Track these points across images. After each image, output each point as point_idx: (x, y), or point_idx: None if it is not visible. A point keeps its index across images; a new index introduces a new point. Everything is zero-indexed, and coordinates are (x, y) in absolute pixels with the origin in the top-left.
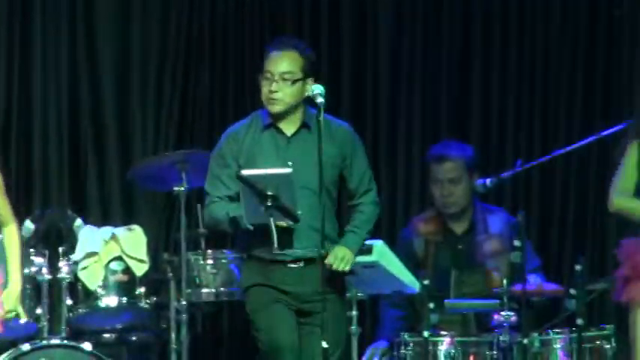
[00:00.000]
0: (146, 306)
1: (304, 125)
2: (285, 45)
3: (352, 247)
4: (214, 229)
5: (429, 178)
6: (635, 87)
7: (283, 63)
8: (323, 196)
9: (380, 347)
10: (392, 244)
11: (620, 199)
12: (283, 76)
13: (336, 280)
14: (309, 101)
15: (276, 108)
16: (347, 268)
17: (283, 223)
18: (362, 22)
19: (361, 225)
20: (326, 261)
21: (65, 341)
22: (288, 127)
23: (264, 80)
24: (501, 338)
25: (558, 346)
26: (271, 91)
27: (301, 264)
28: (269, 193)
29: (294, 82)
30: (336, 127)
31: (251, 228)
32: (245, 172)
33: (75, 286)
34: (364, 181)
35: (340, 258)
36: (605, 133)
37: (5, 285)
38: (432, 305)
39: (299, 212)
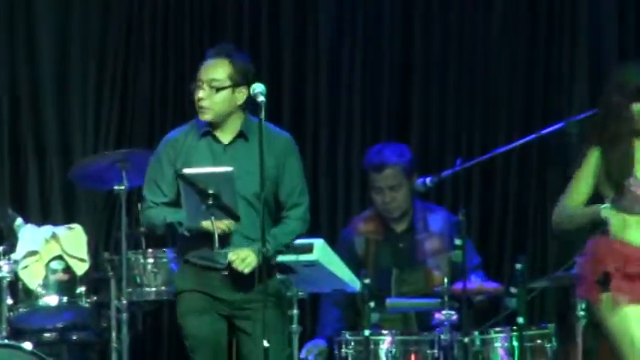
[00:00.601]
0: (87, 305)
1: (241, 134)
2: (217, 53)
3: (259, 253)
4: (152, 233)
5: (369, 184)
6: (575, 86)
7: (211, 71)
8: (264, 206)
9: (318, 346)
10: (333, 243)
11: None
12: (210, 84)
13: (269, 288)
14: (253, 111)
15: (205, 116)
16: (246, 271)
17: (223, 226)
18: (302, 27)
19: (278, 235)
20: (229, 257)
21: (5, 340)
22: (224, 136)
23: (196, 88)
24: (442, 337)
25: (499, 344)
26: (199, 99)
27: (229, 272)
28: (210, 192)
29: (219, 89)
30: (275, 135)
31: (187, 234)
32: (186, 171)
33: (15, 285)
34: (294, 193)
35: (242, 259)
36: (545, 131)
37: None
38: (372, 304)
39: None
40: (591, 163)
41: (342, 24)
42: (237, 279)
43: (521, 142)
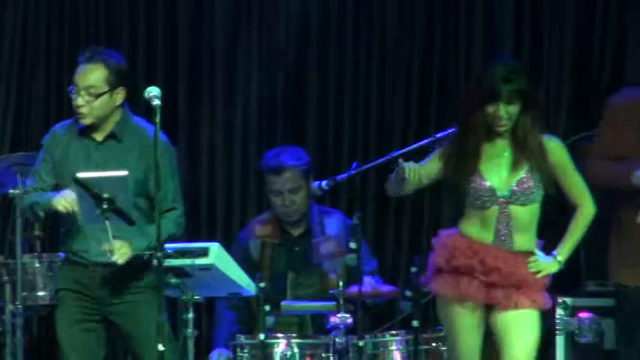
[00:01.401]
0: None
1: (112, 135)
2: (91, 57)
3: (133, 243)
4: (30, 217)
5: (267, 188)
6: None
7: (87, 77)
8: (156, 203)
9: (224, 354)
10: (228, 246)
11: None
12: (88, 91)
13: (143, 283)
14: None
15: (85, 121)
16: (120, 261)
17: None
18: (197, 24)
19: (152, 233)
20: (102, 247)
21: None
22: (99, 134)
23: (74, 93)
24: (337, 340)
25: (394, 347)
26: (77, 106)
27: (104, 268)
28: (105, 195)
29: (99, 95)
30: (150, 138)
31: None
32: (81, 174)
33: None
34: (167, 199)
35: (117, 248)
36: (440, 135)
37: None
38: (268, 307)
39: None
40: (439, 154)
41: (237, 22)
42: (110, 274)
43: (416, 145)
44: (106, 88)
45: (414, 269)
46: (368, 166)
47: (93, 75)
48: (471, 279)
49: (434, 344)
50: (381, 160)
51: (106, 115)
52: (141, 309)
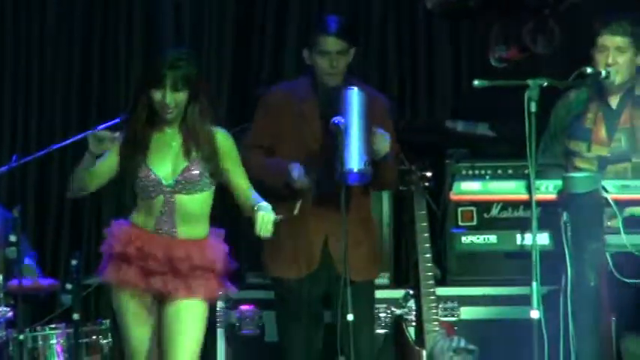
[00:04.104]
0: None
1: None
2: None
3: None
4: None
5: None
6: (131, 83)
7: None
8: None
9: None
10: None
11: None
12: None
13: None
14: None
15: None
16: None
17: None
18: None
19: None
20: None
21: None
22: None
23: None
24: None
25: (55, 341)
26: None
27: None
28: None
29: None
30: None
31: None
32: None
33: None
34: None
35: None
36: (101, 127)
37: None
38: None
39: None
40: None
41: None
42: None
43: (77, 137)
44: None
45: (74, 262)
46: (28, 158)
47: None
48: (129, 265)
49: (94, 337)
50: (41, 153)
51: None
52: None
